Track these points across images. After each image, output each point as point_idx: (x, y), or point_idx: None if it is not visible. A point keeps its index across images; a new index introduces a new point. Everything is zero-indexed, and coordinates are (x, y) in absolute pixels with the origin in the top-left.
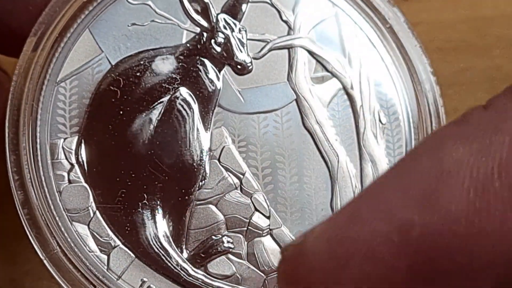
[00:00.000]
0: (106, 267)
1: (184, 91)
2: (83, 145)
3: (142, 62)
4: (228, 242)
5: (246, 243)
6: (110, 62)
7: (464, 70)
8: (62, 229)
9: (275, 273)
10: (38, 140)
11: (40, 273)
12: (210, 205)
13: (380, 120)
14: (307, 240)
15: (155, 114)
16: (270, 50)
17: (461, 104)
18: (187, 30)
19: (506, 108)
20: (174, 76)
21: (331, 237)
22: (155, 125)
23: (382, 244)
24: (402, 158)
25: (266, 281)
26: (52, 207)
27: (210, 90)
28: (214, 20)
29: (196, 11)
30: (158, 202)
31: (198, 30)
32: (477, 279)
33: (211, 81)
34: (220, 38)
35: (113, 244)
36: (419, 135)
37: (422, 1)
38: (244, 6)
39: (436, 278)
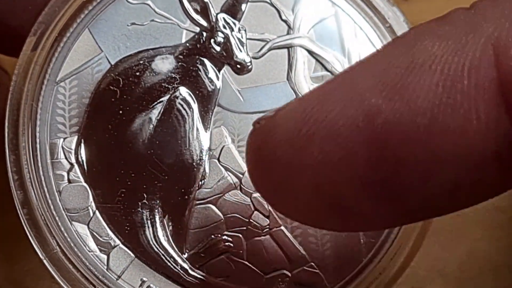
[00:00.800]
0: (105, 266)
1: (183, 91)
2: (82, 144)
3: (141, 62)
4: (227, 241)
5: (245, 242)
6: (109, 62)
7: None
8: (62, 228)
9: (274, 272)
10: (37, 140)
11: (40, 273)
12: (210, 205)
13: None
14: (278, 115)
15: (155, 113)
16: (269, 49)
17: None
18: (187, 29)
19: (487, 10)
20: (173, 75)
21: (300, 115)
22: (154, 124)
23: (346, 127)
24: (379, 48)
25: (266, 280)
26: (51, 206)
27: (209, 89)
28: (214, 20)
29: (196, 11)
30: (158, 202)
31: (197, 29)
32: (432, 176)
33: (211, 81)
34: (220, 38)
35: (112, 244)
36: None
37: (422, 1)
38: (243, 6)
39: (393, 167)
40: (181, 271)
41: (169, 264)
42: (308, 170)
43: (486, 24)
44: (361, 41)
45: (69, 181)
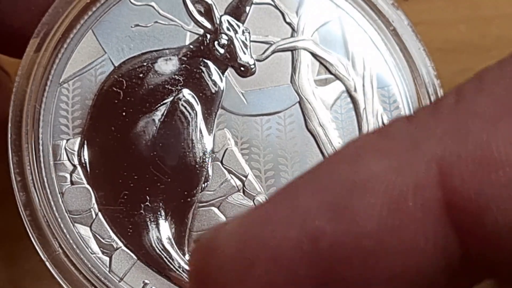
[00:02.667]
0: (108, 269)
1: (187, 93)
2: (85, 146)
3: (145, 64)
4: None
5: None
6: (113, 63)
7: (464, 71)
8: (64, 230)
9: None
10: (40, 141)
11: (40, 273)
12: (213, 208)
13: (383, 123)
14: (219, 235)
15: (158, 115)
16: (273, 52)
17: None
18: (191, 31)
19: (428, 124)
20: (177, 77)
21: (242, 236)
22: (158, 126)
23: (290, 250)
24: (321, 162)
25: None
26: (54, 208)
27: (213, 91)
28: (218, 22)
29: (200, 13)
30: (161, 204)
31: (201, 31)
32: None
33: (214, 83)
34: (224, 40)
35: (115, 246)
36: None
37: (422, 2)
38: (247, 8)
39: None
40: (184, 274)
41: (171, 266)
42: None
43: (428, 142)
44: (365, 44)
45: (72, 183)
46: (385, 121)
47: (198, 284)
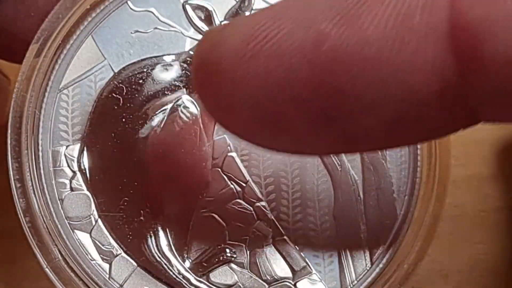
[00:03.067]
0: (108, 275)
1: (186, 99)
2: (85, 152)
3: (145, 70)
4: (230, 251)
5: (248, 252)
6: (112, 69)
7: None
8: (64, 237)
9: (277, 282)
10: (40, 148)
11: (40, 274)
12: (213, 214)
13: None
14: (226, 28)
15: (158, 121)
16: None
17: None
18: (191, 37)
19: None
20: (177, 83)
21: (248, 30)
22: (157, 132)
23: (293, 47)
24: None
25: None
26: (54, 215)
27: None
28: None
29: (200, 19)
30: (161, 211)
31: (201, 37)
32: (372, 107)
33: None
34: None
35: (115, 253)
36: (423, 144)
37: None
38: (247, 14)
39: (334, 93)
40: (184, 281)
41: (171, 273)
42: (250, 85)
43: None
44: None
45: (72, 189)
46: None
47: (202, 73)
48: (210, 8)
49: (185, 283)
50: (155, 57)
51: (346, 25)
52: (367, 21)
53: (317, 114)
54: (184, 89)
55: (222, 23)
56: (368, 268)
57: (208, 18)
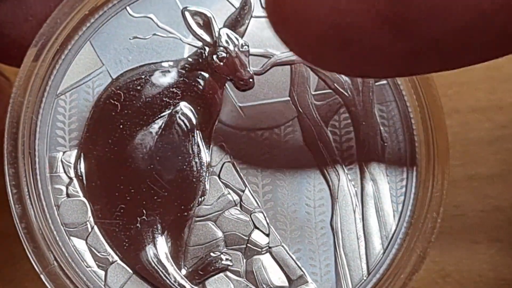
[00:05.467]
0: (103, 282)
1: (184, 106)
2: (82, 159)
3: (143, 76)
4: (226, 259)
5: (244, 260)
6: (110, 75)
7: (464, 70)
8: (60, 243)
9: None
10: (36, 153)
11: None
12: (209, 222)
13: (381, 139)
14: None
15: (155, 128)
16: (272, 65)
17: (461, 104)
18: (189, 44)
19: None
20: (175, 90)
21: None
22: (155, 139)
23: None
24: None
25: None
26: (50, 221)
27: (211, 105)
28: (217, 35)
29: (199, 25)
30: (157, 218)
31: (200, 44)
32: (443, 13)
33: (212, 96)
34: (222, 53)
35: (110, 260)
36: (421, 155)
37: None
38: (247, 21)
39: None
40: None
41: (167, 281)
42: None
43: None
44: None
45: (68, 196)
46: (384, 137)
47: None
48: (209, 15)
49: None
50: (154, 63)
51: None
52: None
53: (391, 23)
54: (182, 96)
55: (221, 30)
56: (365, 278)
57: (207, 25)
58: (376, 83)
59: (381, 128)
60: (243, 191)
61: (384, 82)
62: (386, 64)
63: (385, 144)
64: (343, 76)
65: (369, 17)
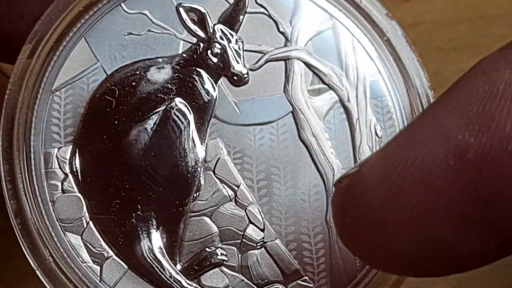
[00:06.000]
0: (98, 278)
1: (179, 102)
2: (77, 154)
3: (137, 72)
4: (221, 254)
5: (240, 255)
6: (105, 72)
7: (464, 70)
8: (55, 239)
9: (268, 286)
10: (32, 149)
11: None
12: (204, 217)
13: (376, 134)
14: (362, 170)
15: (150, 124)
16: (266, 61)
17: None
18: (184, 40)
19: None
20: (170, 86)
21: (386, 164)
22: (150, 135)
23: (436, 167)
24: (454, 82)
25: None
26: (45, 217)
27: (205, 101)
28: (211, 31)
29: (193, 21)
30: (152, 214)
31: (194, 40)
32: None
33: (207, 92)
34: (217, 49)
35: (106, 255)
36: None
37: (422, 1)
38: (241, 17)
39: (490, 198)
40: (175, 284)
41: (162, 276)
42: (403, 217)
43: None
44: (358, 55)
45: (63, 191)
46: (378, 132)
47: (347, 222)
48: (203, 11)
49: (176, 286)
50: (148, 59)
51: (482, 128)
52: (501, 118)
53: (477, 224)
54: (177, 92)
55: (215, 26)
56: (359, 273)
57: (201, 21)
58: (371, 78)
59: (376, 123)
60: (238, 186)
61: (379, 77)
62: (473, 262)
63: (380, 138)
64: (337, 70)
65: (451, 224)
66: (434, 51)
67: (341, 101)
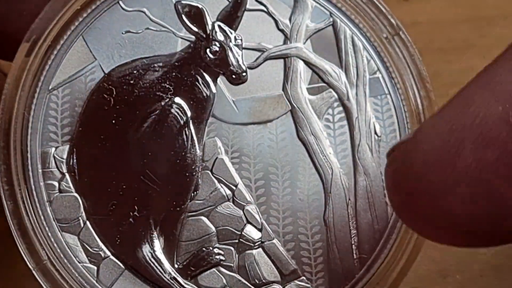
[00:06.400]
0: (95, 278)
1: (177, 100)
2: (74, 154)
3: (135, 71)
4: (219, 254)
5: (237, 255)
6: (103, 70)
7: (464, 70)
8: (52, 239)
9: (265, 286)
10: (29, 149)
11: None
12: (202, 217)
13: (376, 132)
14: (417, 136)
15: (148, 123)
16: (265, 59)
17: None
18: (182, 38)
19: None
20: (167, 85)
21: (442, 128)
22: (148, 134)
23: (496, 125)
24: (507, 47)
25: None
26: (42, 217)
27: (204, 99)
28: (210, 29)
29: (192, 19)
30: (150, 213)
31: (193, 38)
32: None
33: (205, 91)
34: (215, 47)
35: (103, 255)
36: None
37: (422, 1)
38: (240, 15)
39: None
40: (172, 284)
41: (159, 276)
42: (463, 179)
43: None
44: (358, 52)
45: (60, 191)
46: (378, 131)
47: (403, 189)
48: (202, 8)
49: (174, 286)
50: (146, 58)
51: None
52: None
53: None
54: (175, 90)
55: (214, 24)
56: (357, 273)
57: (200, 18)
58: (370, 76)
59: (375, 121)
60: (236, 186)
61: (379, 75)
62: None
63: (379, 137)
64: (337, 69)
65: None
66: (434, 51)
67: (340, 99)
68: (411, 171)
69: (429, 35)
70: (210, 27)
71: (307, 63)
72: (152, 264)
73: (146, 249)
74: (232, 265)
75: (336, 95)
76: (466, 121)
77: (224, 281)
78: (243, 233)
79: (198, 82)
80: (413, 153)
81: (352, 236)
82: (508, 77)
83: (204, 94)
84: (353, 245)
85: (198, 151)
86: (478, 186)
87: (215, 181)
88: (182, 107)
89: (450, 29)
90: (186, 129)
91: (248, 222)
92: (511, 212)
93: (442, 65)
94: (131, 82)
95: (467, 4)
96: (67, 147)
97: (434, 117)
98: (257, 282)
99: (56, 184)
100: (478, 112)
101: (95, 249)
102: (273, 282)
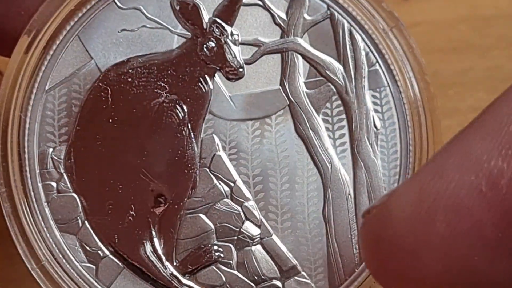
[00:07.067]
0: (94, 277)
1: (174, 98)
2: (72, 154)
3: (132, 69)
4: (217, 251)
5: (236, 252)
6: (99, 70)
7: (464, 70)
8: (51, 239)
9: (265, 283)
10: (26, 150)
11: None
12: (200, 214)
13: (375, 126)
14: (390, 201)
15: (145, 121)
16: (262, 54)
17: (461, 104)
18: (178, 35)
19: None
20: (164, 82)
21: (415, 195)
22: (145, 132)
23: (469, 196)
24: (483, 110)
25: None
26: (40, 217)
27: (201, 96)
28: (206, 25)
29: (188, 16)
30: (148, 212)
31: (189, 35)
32: None
33: (202, 87)
34: (212, 43)
35: (101, 255)
36: (415, 142)
37: (422, 1)
38: (236, 10)
39: None
40: (171, 281)
41: (158, 274)
42: (435, 247)
43: None
44: (356, 46)
45: (58, 191)
46: (377, 124)
47: (377, 253)
48: (198, 4)
49: (173, 284)
50: (143, 56)
51: None
52: None
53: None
54: (172, 88)
55: (210, 20)
56: (357, 268)
57: (196, 14)
58: (369, 69)
59: (374, 114)
60: (234, 182)
61: (377, 68)
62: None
63: (378, 130)
64: (335, 62)
65: (484, 254)
66: (434, 51)
67: (339, 93)
68: (384, 237)
69: (429, 35)
70: (206, 23)
71: (305, 57)
72: (150, 263)
73: (144, 247)
74: (231, 262)
75: (334, 89)
76: (439, 190)
77: (223, 278)
78: (241, 229)
79: (195, 79)
80: (386, 220)
81: (352, 231)
82: (480, 145)
83: (201, 91)
84: (353, 240)
85: (195, 148)
86: (451, 256)
87: (213, 178)
88: (179, 104)
89: (450, 29)
90: (184, 126)
91: (247, 218)
92: (484, 282)
93: (442, 65)
94: (128, 80)
95: (467, 4)
96: (64, 147)
97: (407, 184)
98: (257, 278)
99: (54, 184)
100: (451, 181)
101: (93, 248)
102: (272, 278)
